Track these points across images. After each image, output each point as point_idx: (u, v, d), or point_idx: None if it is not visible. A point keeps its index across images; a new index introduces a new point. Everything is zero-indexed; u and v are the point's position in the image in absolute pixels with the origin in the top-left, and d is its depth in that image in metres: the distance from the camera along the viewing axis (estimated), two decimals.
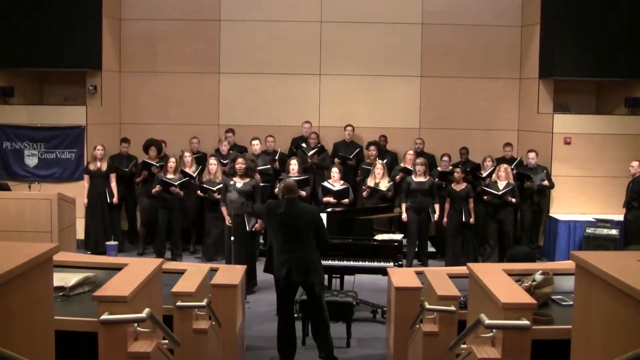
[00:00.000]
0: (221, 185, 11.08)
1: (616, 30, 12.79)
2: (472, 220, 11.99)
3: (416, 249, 12.12)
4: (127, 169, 12.88)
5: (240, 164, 10.40)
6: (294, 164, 11.76)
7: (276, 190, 11.81)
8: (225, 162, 12.05)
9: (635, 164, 11.90)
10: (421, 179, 11.94)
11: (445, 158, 12.89)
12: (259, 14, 14.02)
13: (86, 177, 12.56)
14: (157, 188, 11.89)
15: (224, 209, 10.59)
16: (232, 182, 10.34)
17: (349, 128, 13.59)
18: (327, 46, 14.08)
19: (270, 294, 9.93)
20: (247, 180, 10.41)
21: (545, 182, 12.68)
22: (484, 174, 12.49)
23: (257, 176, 11.92)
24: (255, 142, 12.82)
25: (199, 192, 12.11)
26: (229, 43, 14.11)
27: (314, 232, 7.49)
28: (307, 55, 14.07)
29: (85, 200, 12.41)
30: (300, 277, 7.43)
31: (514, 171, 12.57)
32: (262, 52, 14.07)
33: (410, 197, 11.97)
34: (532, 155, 12.75)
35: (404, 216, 11.91)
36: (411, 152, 12.79)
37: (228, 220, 10.45)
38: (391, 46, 14.05)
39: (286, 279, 7.42)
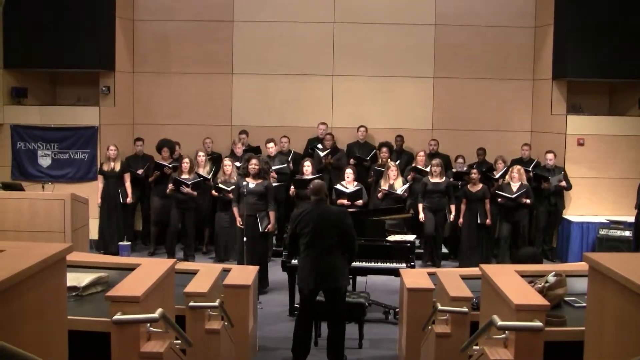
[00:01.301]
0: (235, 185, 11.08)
1: (630, 31, 12.71)
2: (488, 221, 11.96)
3: (431, 249, 12.12)
4: (141, 171, 12.87)
5: (254, 165, 10.38)
6: (307, 165, 11.79)
7: (291, 191, 11.94)
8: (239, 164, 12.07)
9: None
10: (437, 179, 11.91)
11: (460, 160, 12.88)
12: (272, 14, 14.03)
13: (100, 177, 12.60)
14: (170, 187, 11.94)
15: (235, 210, 10.59)
16: (244, 183, 10.34)
17: (362, 129, 13.59)
18: (340, 47, 14.07)
19: (282, 294, 9.96)
20: (260, 181, 10.40)
21: (563, 183, 12.63)
22: (497, 175, 12.45)
23: (274, 175, 11.96)
24: (270, 144, 12.78)
25: (213, 192, 12.10)
26: (241, 44, 14.12)
27: (339, 236, 7.42)
28: (320, 56, 14.07)
29: (99, 201, 12.43)
30: (324, 284, 7.44)
31: (531, 172, 12.54)
32: (274, 53, 14.08)
33: (426, 198, 11.96)
34: (550, 156, 12.69)
35: (422, 216, 11.89)
36: (422, 153, 12.78)
37: (239, 222, 10.45)
38: (404, 47, 14.03)
39: (313, 290, 7.47)
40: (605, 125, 13.18)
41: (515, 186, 11.96)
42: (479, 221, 11.92)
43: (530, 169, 12.68)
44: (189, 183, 11.93)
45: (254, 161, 10.44)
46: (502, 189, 12.05)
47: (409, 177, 12.48)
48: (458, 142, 13.69)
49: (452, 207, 12.01)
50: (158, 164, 12.60)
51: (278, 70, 14.06)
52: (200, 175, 12.20)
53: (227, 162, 11.95)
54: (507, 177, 12.16)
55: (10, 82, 13.25)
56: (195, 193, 12.07)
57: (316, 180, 8.13)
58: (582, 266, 4.66)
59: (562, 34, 13.16)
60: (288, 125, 13.84)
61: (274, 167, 12.18)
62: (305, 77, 14.08)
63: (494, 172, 12.60)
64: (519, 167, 12.17)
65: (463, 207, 12.03)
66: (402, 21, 13.97)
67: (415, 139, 13.72)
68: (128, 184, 12.61)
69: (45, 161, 13.33)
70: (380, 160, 12.89)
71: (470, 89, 14.03)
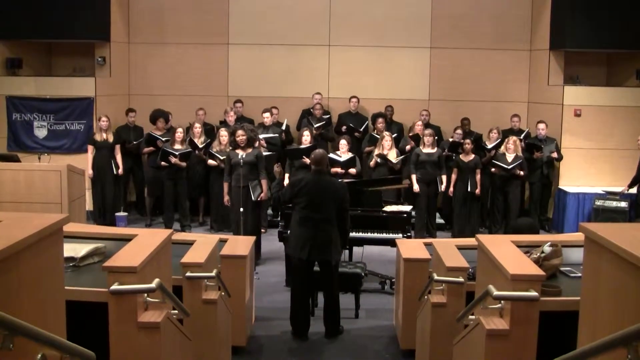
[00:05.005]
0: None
1: (628, 1, 12.67)
2: (477, 191, 11.96)
3: (424, 221, 12.13)
4: (135, 142, 12.80)
5: (240, 135, 10.29)
6: (306, 135, 11.73)
7: (275, 169, 11.96)
8: None
9: None
10: (430, 150, 11.89)
11: (459, 131, 12.80)
12: None
13: (90, 147, 12.41)
14: (159, 160, 11.97)
15: (226, 185, 10.53)
16: (237, 154, 10.25)
17: (354, 100, 13.54)
18: (336, 17, 13.99)
19: (278, 265, 9.98)
20: (250, 150, 10.31)
21: (555, 154, 12.62)
22: (490, 146, 12.41)
23: (264, 144, 11.92)
24: (266, 114, 12.71)
25: (209, 161, 12.07)
26: (237, 14, 14.03)
27: (336, 208, 7.46)
28: (316, 27, 14.00)
29: (90, 172, 12.26)
30: (319, 255, 7.47)
31: (522, 143, 12.52)
32: (270, 23, 14.00)
33: (418, 169, 11.93)
34: (541, 126, 12.67)
35: (416, 187, 11.85)
36: (420, 122, 12.76)
37: (227, 200, 10.45)
38: (401, 17, 13.96)
39: (307, 260, 7.49)
40: (603, 96, 13.15)
41: (510, 157, 11.95)
42: (469, 190, 11.92)
43: (521, 139, 12.65)
44: (177, 154, 11.91)
45: (239, 132, 10.33)
46: (498, 159, 12.05)
47: (408, 146, 12.44)
48: (455, 112, 13.68)
49: (444, 177, 11.98)
50: (152, 137, 12.54)
51: (274, 40, 13.99)
52: (193, 145, 12.18)
53: (223, 132, 11.90)
54: (502, 148, 12.15)
55: (5, 53, 13.18)
56: (183, 164, 12.05)
57: (318, 150, 7.99)
58: (578, 236, 4.66)
59: (560, 4, 13.09)
60: (284, 95, 13.80)
61: (264, 136, 12.14)
62: (301, 47, 14.02)
63: (487, 143, 12.56)
64: (515, 138, 12.16)
65: (454, 176, 12.03)
66: None
67: (412, 110, 13.66)
68: (119, 156, 12.51)
69: (41, 132, 13.28)
70: (374, 131, 12.88)
71: (467, 60, 13.99)
